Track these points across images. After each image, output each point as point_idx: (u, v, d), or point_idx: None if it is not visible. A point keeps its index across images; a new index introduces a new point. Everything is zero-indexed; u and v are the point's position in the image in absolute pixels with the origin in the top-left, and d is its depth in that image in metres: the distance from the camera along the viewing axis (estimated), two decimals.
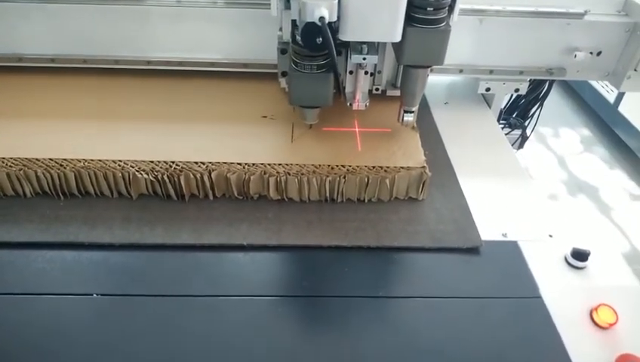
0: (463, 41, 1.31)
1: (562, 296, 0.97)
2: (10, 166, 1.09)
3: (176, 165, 1.11)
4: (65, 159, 1.11)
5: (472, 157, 1.30)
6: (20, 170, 1.09)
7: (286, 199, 1.14)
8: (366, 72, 1.17)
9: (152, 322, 0.91)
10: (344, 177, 1.11)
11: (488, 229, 1.10)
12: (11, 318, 0.91)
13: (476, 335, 0.91)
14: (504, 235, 1.09)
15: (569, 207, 2.87)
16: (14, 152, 1.12)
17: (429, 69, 1.11)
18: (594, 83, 3.46)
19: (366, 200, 1.15)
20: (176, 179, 1.10)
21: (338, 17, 0.94)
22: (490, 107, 1.54)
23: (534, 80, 1.61)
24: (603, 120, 3.45)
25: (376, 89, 1.33)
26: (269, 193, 1.13)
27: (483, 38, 1.33)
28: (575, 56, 1.33)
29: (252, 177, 1.11)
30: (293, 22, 1.01)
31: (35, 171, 1.09)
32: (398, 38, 0.98)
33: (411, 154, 1.18)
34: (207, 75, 1.39)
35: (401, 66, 1.20)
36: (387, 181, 1.12)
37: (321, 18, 0.89)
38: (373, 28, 0.96)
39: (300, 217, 1.11)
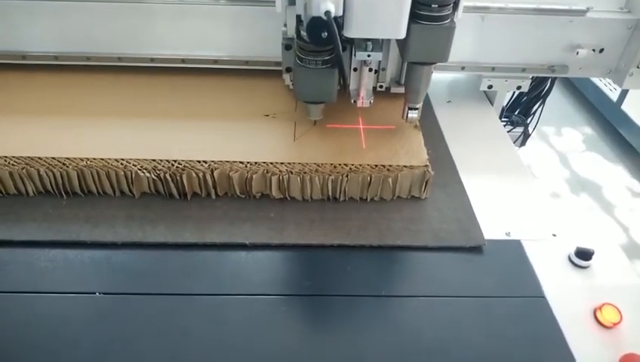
0: (466, 39, 1.31)
1: (566, 296, 0.97)
2: (12, 164, 1.09)
3: (179, 164, 1.11)
4: (67, 158, 1.11)
5: (474, 155, 1.30)
6: (23, 168, 1.08)
7: (288, 198, 1.14)
8: (370, 69, 1.17)
9: (154, 320, 0.91)
10: (347, 176, 1.11)
11: (491, 228, 1.09)
12: (14, 317, 0.91)
13: (479, 335, 0.91)
14: (507, 234, 1.09)
15: (572, 206, 2.87)
16: (17, 151, 1.12)
17: (433, 66, 1.10)
18: (597, 81, 3.45)
19: (368, 199, 1.15)
20: (178, 178, 1.10)
21: (343, 13, 0.93)
22: (492, 105, 1.53)
23: (536, 77, 1.61)
24: (606, 118, 3.44)
25: (380, 86, 1.33)
26: (272, 192, 1.13)
27: (485, 36, 1.32)
28: (577, 53, 1.33)
29: (254, 176, 1.10)
30: (298, 17, 1.01)
31: (38, 170, 1.09)
32: (402, 35, 0.98)
33: (414, 153, 1.18)
34: (209, 72, 1.39)
35: (406, 63, 1.20)
36: (390, 180, 1.12)
37: (327, 12, 0.89)
38: (378, 25, 0.96)
39: (303, 216, 1.10)
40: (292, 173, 1.10)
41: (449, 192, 1.18)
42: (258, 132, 1.22)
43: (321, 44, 0.97)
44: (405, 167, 1.13)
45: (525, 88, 1.46)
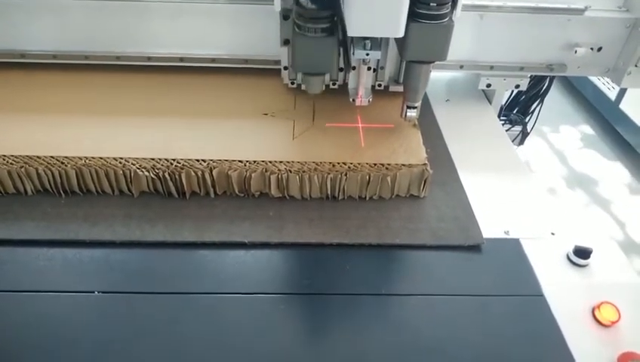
0: (464, 37, 1.31)
1: (564, 294, 0.97)
2: (11, 163, 1.09)
3: (177, 163, 1.11)
4: (66, 157, 1.11)
5: (473, 154, 1.30)
6: (21, 167, 1.08)
7: (287, 197, 1.14)
8: (369, 68, 1.17)
9: (153, 319, 0.91)
10: (345, 175, 1.11)
11: (490, 227, 1.10)
12: (12, 316, 0.91)
13: (478, 334, 0.91)
14: (506, 233, 1.09)
15: (571, 205, 2.87)
16: (15, 150, 1.12)
17: (432, 65, 1.10)
18: (596, 80, 3.45)
19: (367, 198, 1.15)
20: (177, 177, 1.10)
21: (342, 5, 0.93)
22: (490, 103, 1.54)
23: (535, 76, 1.61)
24: (604, 117, 3.44)
25: (379, 85, 1.33)
26: (271, 191, 1.13)
27: (484, 34, 1.33)
28: (575, 52, 1.33)
29: (253, 175, 1.10)
30: None
31: (36, 169, 1.08)
32: (401, 34, 0.98)
33: (413, 151, 1.18)
34: (208, 71, 1.39)
35: (404, 62, 1.20)
36: (388, 178, 1.12)
37: None
38: (377, 23, 0.96)
39: (302, 215, 1.10)
40: (291, 171, 1.11)
41: (448, 191, 1.18)
42: (257, 131, 1.22)
43: (323, 6, 0.97)
44: (404, 165, 1.13)
45: (524, 87, 1.46)
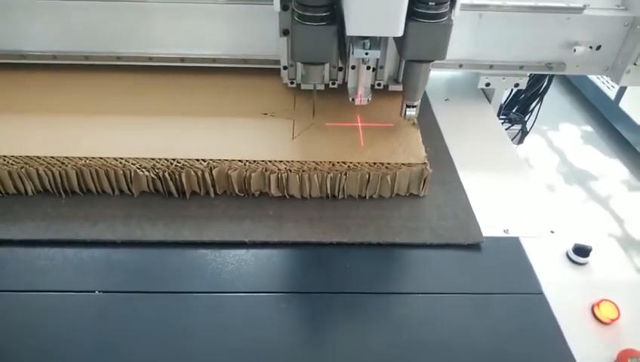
0: (463, 36, 1.31)
1: (564, 292, 0.97)
2: (11, 164, 1.09)
3: (177, 162, 1.11)
4: (66, 157, 1.11)
5: (472, 152, 1.30)
6: (22, 168, 1.09)
7: (287, 196, 1.14)
8: (368, 67, 1.17)
9: (153, 319, 0.91)
10: (345, 174, 1.11)
11: (490, 225, 1.10)
12: (13, 315, 0.92)
13: (478, 332, 0.91)
14: (506, 231, 1.09)
15: (570, 203, 2.87)
16: (16, 150, 1.12)
17: (431, 64, 1.10)
18: (595, 80, 3.45)
19: (367, 197, 1.15)
20: (177, 177, 1.10)
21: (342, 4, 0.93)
22: (490, 102, 1.54)
23: (534, 75, 1.61)
24: (604, 116, 3.44)
25: (379, 84, 1.33)
26: (270, 190, 1.13)
27: (483, 33, 1.33)
28: (574, 50, 1.33)
29: (253, 174, 1.11)
30: None
31: (37, 169, 1.09)
32: (400, 33, 0.98)
33: (412, 150, 1.18)
34: (208, 71, 1.39)
35: (403, 61, 1.20)
36: (388, 177, 1.12)
37: None
38: (376, 23, 0.96)
39: (302, 214, 1.11)
40: (291, 171, 1.11)
41: (447, 190, 1.18)
42: (257, 130, 1.23)
43: None
44: (404, 164, 1.13)
45: (523, 86, 1.46)
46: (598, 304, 0.93)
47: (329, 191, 1.14)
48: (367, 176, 1.11)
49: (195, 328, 0.89)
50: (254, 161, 1.12)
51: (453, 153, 1.29)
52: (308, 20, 1.01)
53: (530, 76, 1.48)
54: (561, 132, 3.45)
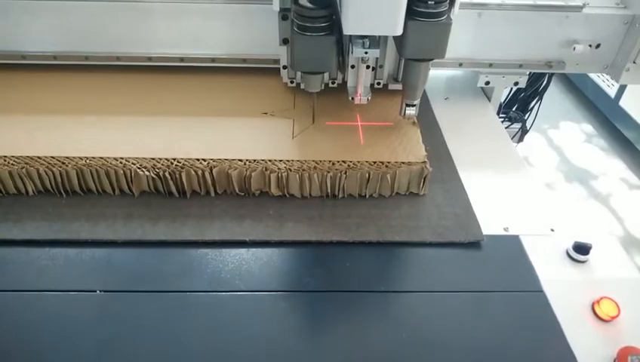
0: (463, 35, 1.31)
1: (564, 290, 0.97)
2: (12, 164, 1.09)
3: (178, 162, 1.11)
4: (67, 157, 1.11)
5: (472, 151, 1.30)
6: (22, 168, 1.09)
7: (287, 195, 1.14)
8: (368, 66, 1.18)
9: (154, 318, 0.92)
10: (345, 173, 1.11)
11: (490, 224, 1.10)
12: (15, 315, 0.92)
13: (478, 330, 0.91)
14: (506, 229, 1.10)
15: (570, 201, 2.87)
16: (16, 150, 1.12)
17: (431, 63, 1.11)
18: (595, 78, 3.45)
19: (367, 196, 1.15)
20: (177, 176, 1.10)
21: (340, 3, 0.93)
22: (489, 101, 1.54)
23: (534, 73, 1.62)
24: (604, 114, 3.44)
25: (378, 83, 1.33)
26: (271, 189, 1.13)
27: (482, 32, 1.33)
28: (574, 48, 1.33)
29: (253, 174, 1.11)
30: None
31: (37, 169, 1.09)
32: (399, 32, 0.98)
33: (412, 149, 1.18)
34: (208, 71, 1.39)
35: (403, 60, 1.20)
36: (388, 176, 1.12)
37: None
38: (375, 21, 0.96)
39: (302, 213, 1.11)
40: (291, 170, 1.11)
41: (447, 188, 1.19)
42: (257, 130, 1.23)
43: (321, 4, 0.97)
44: (403, 163, 1.14)
45: (523, 84, 1.46)
46: (598, 301, 0.93)
47: (329, 191, 1.14)
48: (367, 175, 1.12)
49: (195, 327, 0.90)
50: (254, 161, 1.12)
51: (453, 152, 1.29)
52: (307, 31, 1.01)
53: (529, 75, 1.48)
54: (561, 130, 3.45)
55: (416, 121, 1.26)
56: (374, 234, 1.06)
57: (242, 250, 1.03)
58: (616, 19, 1.30)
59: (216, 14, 1.30)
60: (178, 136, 1.19)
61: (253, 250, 1.04)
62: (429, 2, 0.96)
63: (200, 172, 1.10)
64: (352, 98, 1.22)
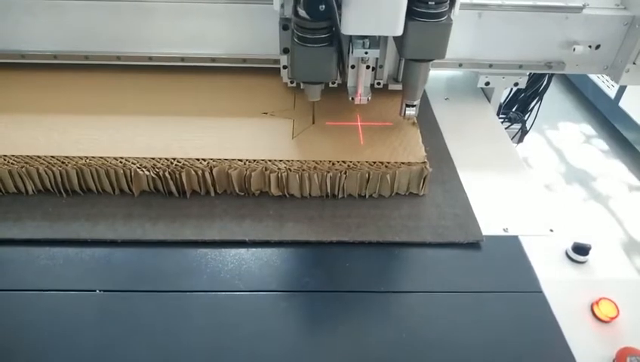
0: (463, 35, 1.31)
1: (563, 290, 0.97)
2: (12, 163, 1.10)
3: (178, 162, 1.11)
4: (67, 156, 1.11)
5: (472, 151, 1.31)
6: (22, 167, 1.09)
7: (287, 195, 1.14)
8: (368, 67, 1.18)
9: (154, 318, 0.92)
10: (345, 173, 1.11)
11: (489, 224, 1.10)
12: (14, 315, 0.92)
13: (477, 330, 0.92)
14: (505, 230, 1.10)
15: (570, 201, 2.88)
16: (16, 150, 1.12)
17: (431, 63, 1.11)
18: (595, 79, 3.45)
19: (367, 196, 1.15)
20: (177, 176, 1.10)
21: (339, 5, 0.94)
22: (489, 101, 1.54)
23: (533, 74, 1.62)
24: (604, 115, 3.44)
25: (378, 83, 1.33)
26: (270, 189, 1.13)
27: (482, 32, 1.33)
28: (574, 49, 1.33)
29: (253, 173, 1.11)
30: None
31: (37, 168, 1.09)
32: (399, 32, 0.98)
33: (412, 149, 1.18)
34: (208, 70, 1.39)
35: (403, 60, 1.20)
36: (388, 176, 1.12)
37: None
38: (375, 22, 0.96)
39: (302, 213, 1.11)
40: (291, 170, 1.11)
41: (447, 189, 1.19)
42: (257, 130, 1.23)
43: (320, 17, 0.97)
44: (403, 163, 1.14)
45: (522, 85, 1.46)
46: (597, 302, 0.94)
47: (329, 191, 1.14)
48: (366, 175, 1.12)
49: (195, 327, 0.90)
50: (254, 161, 1.12)
51: (453, 152, 1.29)
52: (308, 42, 1.02)
53: (529, 75, 1.48)
54: (561, 131, 3.46)
55: (416, 121, 1.26)
56: (374, 235, 1.07)
57: (242, 250, 1.04)
58: (616, 20, 1.30)
59: (217, 14, 1.30)
60: (178, 135, 1.19)
61: (253, 249, 1.04)
62: (430, 3, 0.97)
63: (200, 172, 1.10)
64: (352, 98, 1.22)
